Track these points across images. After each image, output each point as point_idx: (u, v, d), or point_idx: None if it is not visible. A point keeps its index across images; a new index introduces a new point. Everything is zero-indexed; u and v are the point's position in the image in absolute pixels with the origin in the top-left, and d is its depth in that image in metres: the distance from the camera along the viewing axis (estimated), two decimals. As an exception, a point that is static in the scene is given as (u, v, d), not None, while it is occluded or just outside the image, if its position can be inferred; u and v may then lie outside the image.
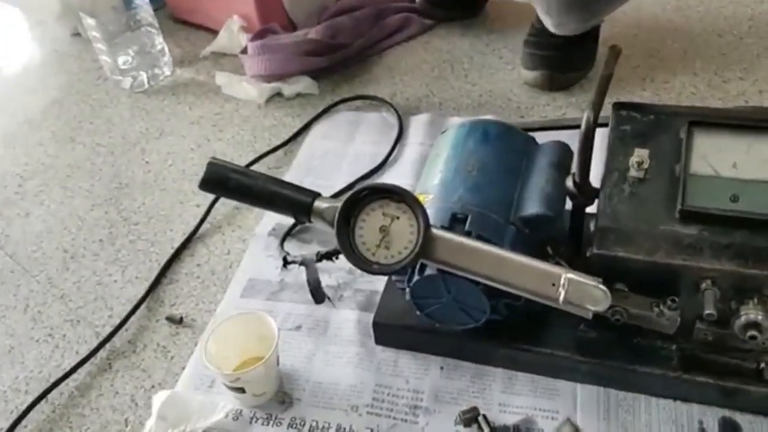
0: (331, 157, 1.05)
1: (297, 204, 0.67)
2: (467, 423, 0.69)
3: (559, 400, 0.70)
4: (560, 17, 1.05)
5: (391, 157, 1.03)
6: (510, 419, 0.69)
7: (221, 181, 0.69)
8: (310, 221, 0.68)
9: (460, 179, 0.70)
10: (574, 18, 1.05)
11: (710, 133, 0.65)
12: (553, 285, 0.61)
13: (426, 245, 0.63)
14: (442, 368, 0.74)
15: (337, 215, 0.64)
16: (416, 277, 0.68)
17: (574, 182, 0.68)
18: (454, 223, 0.67)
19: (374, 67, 1.24)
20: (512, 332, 0.72)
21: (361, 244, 0.64)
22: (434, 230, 0.64)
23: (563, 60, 1.11)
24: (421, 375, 0.74)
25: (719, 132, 0.65)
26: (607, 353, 0.69)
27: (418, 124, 1.08)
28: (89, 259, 0.95)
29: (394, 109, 1.11)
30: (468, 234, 0.66)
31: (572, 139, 0.68)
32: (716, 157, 0.64)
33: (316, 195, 0.68)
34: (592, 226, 0.68)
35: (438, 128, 1.06)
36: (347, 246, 0.64)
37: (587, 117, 0.65)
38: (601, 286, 0.60)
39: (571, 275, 0.61)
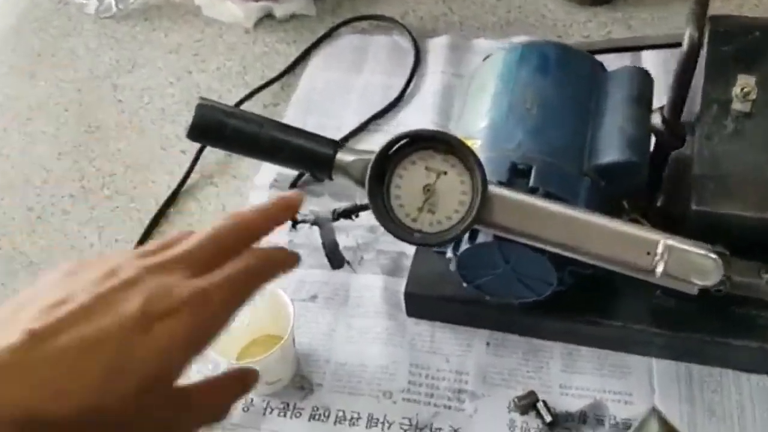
0: (336, 91, 0.90)
1: (315, 157, 0.53)
2: (524, 410, 0.58)
3: (631, 379, 0.59)
4: None
5: (409, 90, 0.89)
6: (574, 404, 0.58)
7: (215, 127, 0.54)
8: (330, 178, 0.54)
9: (516, 119, 0.56)
10: None
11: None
12: (648, 254, 0.49)
13: (484, 208, 0.50)
14: (488, 344, 0.63)
15: (369, 172, 0.50)
16: (466, 245, 0.55)
17: (663, 119, 0.55)
18: (514, 176, 0.53)
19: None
20: (575, 302, 0.60)
21: (398, 208, 0.51)
22: (491, 187, 0.51)
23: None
24: (463, 352, 0.63)
25: None
26: (690, 324, 0.58)
27: (436, 49, 0.93)
28: (59, 219, 0.81)
29: (408, 31, 0.95)
30: (533, 191, 0.53)
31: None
32: None
33: (338, 145, 0.54)
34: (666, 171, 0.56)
35: (461, 53, 0.91)
36: (382, 210, 0.51)
37: (690, 34, 0.51)
38: (711, 255, 0.48)
39: (672, 242, 0.48)
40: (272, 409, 0.61)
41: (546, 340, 0.62)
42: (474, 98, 0.62)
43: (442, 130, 0.51)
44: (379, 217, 0.51)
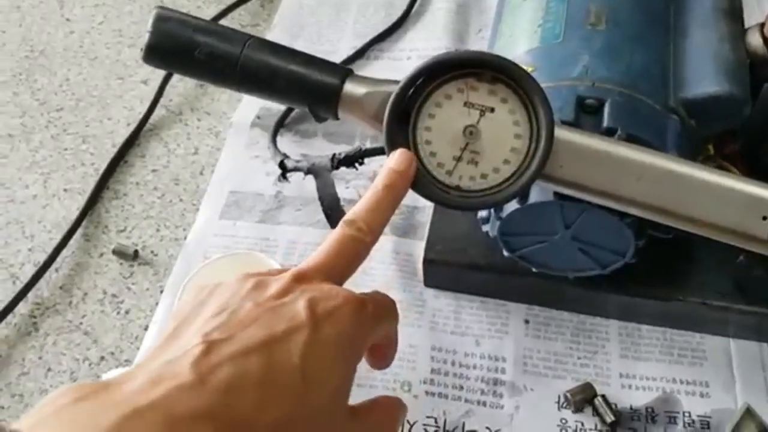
0: (329, 8, 0.75)
1: (316, 88, 0.39)
2: (579, 407, 0.47)
3: (707, 366, 0.48)
4: None
5: (415, 8, 0.74)
6: (639, 398, 0.47)
7: (181, 47, 0.40)
8: (337, 117, 0.41)
9: (579, 38, 0.43)
10: None
11: None
12: (765, 219, 0.37)
13: (546, 157, 0.37)
14: (527, 321, 0.51)
15: (389, 108, 0.37)
16: (514, 206, 0.42)
17: (764, 36, 0.42)
18: (582, 113, 0.40)
19: None
20: (637, 272, 0.47)
21: (429, 157, 0.38)
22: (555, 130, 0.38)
23: None
24: (498, 334, 0.51)
25: None
26: (780, 298, 0.46)
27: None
28: (-5, 165, 0.67)
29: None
30: (609, 132, 0.40)
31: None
32: None
33: (347, 72, 0.40)
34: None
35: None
36: (409, 160, 0.38)
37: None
38: None
39: (802, 204, 0.36)
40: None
41: (599, 317, 0.51)
42: (515, 9, 0.48)
43: (488, 52, 0.38)
44: (406, 170, 0.37)
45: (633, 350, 0.49)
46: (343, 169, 0.57)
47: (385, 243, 0.56)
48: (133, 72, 0.72)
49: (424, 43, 0.71)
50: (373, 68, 0.70)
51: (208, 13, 0.75)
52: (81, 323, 0.55)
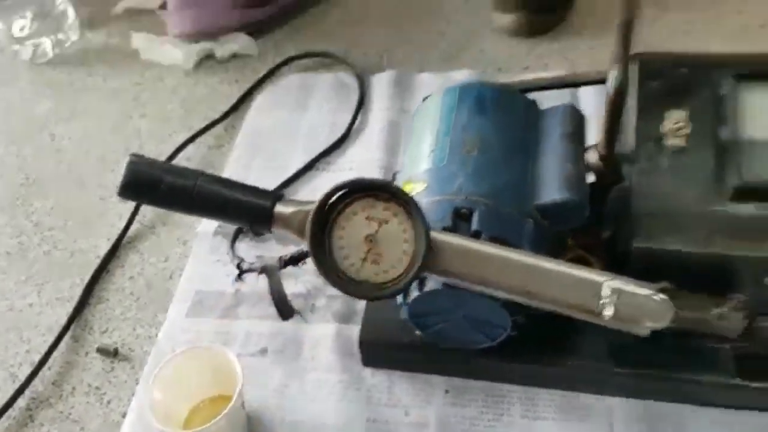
0: (282, 131, 0.89)
1: (252, 210, 0.51)
2: (486, 461, 0.56)
3: (592, 422, 0.58)
4: None
5: (354, 127, 0.87)
6: (536, 451, 0.57)
7: (148, 185, 0.52)
8: (270, 231, 0.52)
9: (457, 163, 0.55)
10: None
11: (763, 87, 0.52)
12: (595, 297, 0.48)
13: (428, 256, 0.48)
14: (447, 391, 0.61)
15: (309, 224, 0.49)
16: (415, 293, 0.53)
17: (600, 156, 0.55)
18: (458, 221, 0.52)
19: (323, 19, 1.06)
20: (532, 343, 0.58)
21: (342, 259, 0.49)
22: (434, 234, 0.50)
23: (538, 1, 0.96)
24: (423, 402, 0.61)
25: (776, 85, 0.52)
26: (648, 361, 0.57)
27: (381, 85, 0.92)
28: (-6, 280, 0.77)
29: (352, 68, 0.94)
30: (476, 235, 0.51)
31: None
32: (775, 116, 0.51)
33: (278, 197, 0.52)
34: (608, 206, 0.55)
35: (405, 88, 0.91)
36: (325, 263, 0.49)
37: (615, 76, 0.51)
38: (660, 296, 0.47)
39: (619, 285, 0.48)
40: (223, 476, 0.58)
41: (506, 383, 0.61)
42: (416, 139, 0.61)
43: (382, 179, 0.50)
44: (322, 269, 0.49)
45: (532, 411, 0.59)
46: (291, 267, 0.68)
47: (329, 329, 0.66)
48: (114, 194, 0.84)
49: (361, 156, 0.83)
50: (321, 178, 0.83)
51: (180, 138, 0.88)
52: (70, 413, 0.65)
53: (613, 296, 0.47)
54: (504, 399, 0.60)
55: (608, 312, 0.47)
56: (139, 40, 1.02)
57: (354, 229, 0.49)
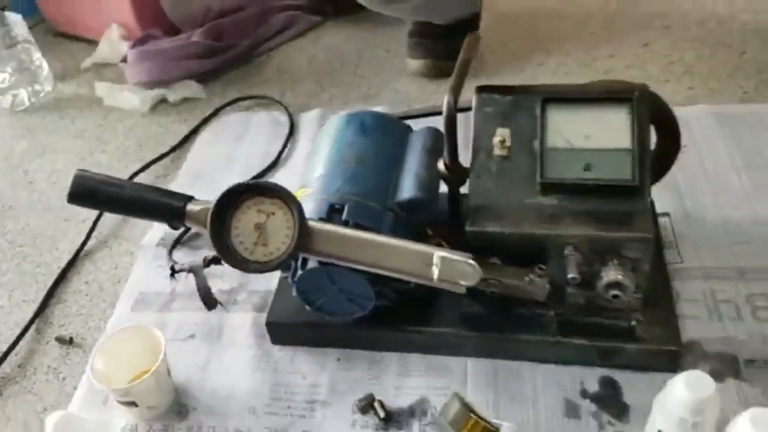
0: (221, 160, 1.04)
1: (169, 209, 0.66)
2: (364, 410, 0.70)
3: (450, 376, 0.72)
4: None
5: (283, 156, 1.03)
6: (405, 401, 0.70)
7: (88, 192, 0.67)
8: (184, 226, 0.67)
9: (339, 171, 0.71)
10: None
11: (563, 108, 0.68)
12: (428, 265, 0.63)
13: (302, 239, 0.63)
14: (338, 360, 0.75)
15: (209, 216, 0.63)
16: (300, 272, 0.68)
17: (445, 164, 0.70)
18: (332, 213, 0.67)
19: (263, 68, 1.24)
20: (402, 316, 0.73)
21: (239, 244, 0.64)
22: (311, 223, 0.65)
23: (445, 48, 1.14)
24: (318, 369, 0.75)
25: (571, 106, 0.68)
26: (491, 325, 0.71)
27: (309, 121, 1.09)
28: (-30, 288, 0.91)
29: (284, 107, 1.10)
30: (346, 223, 0.66)
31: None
32: (569, 130, 0.67)
33: (189, 198, 0.67)
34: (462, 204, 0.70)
35: (326, 123, 1.07)
36: (223, 247, 0.64)
37: (448, 101, 0.67)
38: (471, 261, 0.62)
39: (443, 253, 0.63)
40: (153, 431, 0.71)
41: (385, 351, 0.75)
42: (312, 156, 0.77)
43: (268, 181, 0.65)
44: (221, 252, 0.63)
45: (405, 371, 0.73)
46: (220, 267, 0.82)
47: (247, 318, 0.81)
48: (76, 215, 0.99)
49: (288, 179, 0.97)
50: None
51: (132, 169, 1.04)
52: (32, 388, 0.78)
53: (439, 263, 0.62)
54: (384, 363, 0.74)
55: (435, 275, 0.62)
56: (102, 88, 1.18)
57: (247, 220, 0.64)
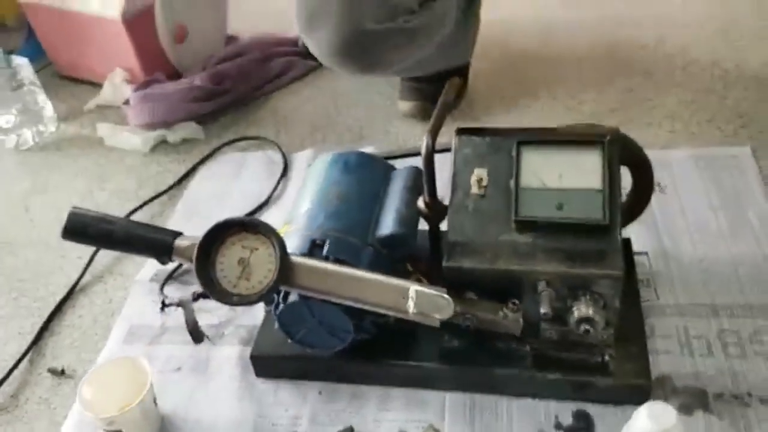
0: (216, 198, 1.08)
1: (158, 244, 0.69)
2: (343, 441, 0.71)
3: (429, 410, 0.73)
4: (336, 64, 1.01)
5: (276, 193, 1.06)
6: (384, 433, 0.72)
7: (82, 228, 0.70)
8: (171, 260, 0.70)
9: (322, 208, 0.74)
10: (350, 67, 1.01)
11: (537, 149, 0.71)
12: (404, 298, 0.65)
13: (284, 274, 0.66)
14: (320, 393, 0.77)
15: (196, 251, 0.66)
16: (281, 305, 0.70)
17: (425, 202, 0.73)
18: (314, 249, 0.70)
19: (260, 110, 1.28)
20: (383, 350, 0.75)
21: (223, 278, 0.67)
22: (292, 257, 0.67)
23: (436, 91, 1.17)
24: (300, 402, 0.76)
25: (545, 148, 0.71)
26: (469, 360, 0.73)
27: (302, 160, 1.12)
28: (-32, 321, 0.94)
29: (278, 147, 1.14)
30: (326, 258, 0.69)
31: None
32: (543, 170, 0.70)
33: (177, 234, 0.70)
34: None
35: (319, 163, 1.11)
36: (208, 280, 0.66)
37: (426, 143, 0.70)
38: (445, 296, 0.65)
39: (418, 288, 0.65)
40: (137, 461, 0.73)
41: (367, 385, 0.76)
42: (299, 194, 0.80)
43: (253, 218, 0.68)
44: (205, 285, 0.66)
45: (385, 404, 0.74)
46: (209, 303, 0.85)
47: (234, 351, 0.83)
48: (73, 252, 1.02)
49: (277, 217, 1.01)
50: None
51: (130, 206, 1.07)
52: (23, 417, 0.80)
53: (414, 296, 0.64)
54: (364, 396, 0.76)
55: (411, 308, 0.64)
56: (103, 128, 1.23)
57: (232, 255, 0.67)
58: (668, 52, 1.25)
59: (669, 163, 0.97)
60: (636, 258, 0.83)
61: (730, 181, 0.93)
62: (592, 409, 0.70)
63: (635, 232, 0.84)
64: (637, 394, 0.68)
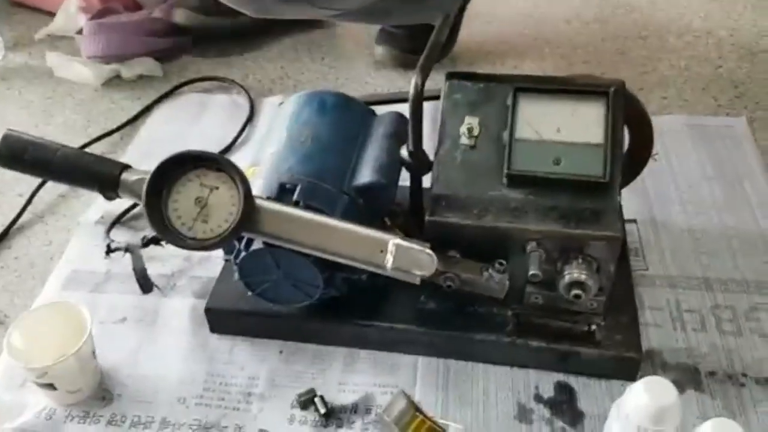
0: (173, 140, 0.99)
1: (102, 177, 0.61)
2: (304, 405, 0.65)
3: (399, 374, 0.67)
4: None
5: (240, 140, 0.98)
6: (349, 398, 0.65)
7: (17, 153, 0.61)
8: (118, 196, 0.62)
9: (291, 150, 0.66)
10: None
11: (535, 98, 0.65)
12: (381, 252, 0.59)
13: (247, 217, 0.58)
14: (281, 352, 0.70)
15: (145, 187, 0.58)
16: (243, 253, 0.63)
17: (408, 151, 0.66)
18: (283, 193, 0.62)
19: (226, 50, 1.18)
20: (352, 309, 0.68)
21: (176, 219, 0.59)
22: (258, 201, 0.60)
23: (414, 42, 1.10)
24: (257, 361, 0.69)
25: (544, 98, 0.64)
26: (446, 323, 0.67)
27: (270, 106, 1.04)
28: None
29: (245, 90, 1.05)
30: (297, 204, 0.62)
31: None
32: (541, 121, 0.63)
33: (125, 167, 0.62)
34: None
35: (288, 109, 1.02)
36: (159, 220, 0.58)
37: (415, 82, 0.63)
38: (428, 251, 0.58)
39: (399, 241, 0.58)
40: (73, 417, 0.65)
41: (332, 346, 0.70)
42: (267, 134, 0.72)
43: (214, 152, 0.60)
44: (155, 225, 0.58)
45: (351, 367, 0.68)
46: (160, 250, 0.77)
47: (186, 304, 0.75)
48: (13, 188, 0.92)
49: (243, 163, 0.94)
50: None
51: (77, 142, 0.97)
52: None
53: (393, 250, 0.58)
54: (329, 357, 0.69)
55: (389, 263, 0.58)
56: (53, 58, 1.12)
57: (188, 193, 0.59)
58: (661, 17, 1.19)
59: (661, 130, 0.91)
60: (625, 225, 0.78)
61: (725, 151, 0.89)
62: (575, 381, 0.65)
63: (624, 199, 0.78)
64: (625, 368, 0.64)
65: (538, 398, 0.64)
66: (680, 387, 0.62)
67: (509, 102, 0.65)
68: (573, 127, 0.63)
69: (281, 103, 0.76)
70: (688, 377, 0.64)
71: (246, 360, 0.69)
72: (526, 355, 0.66)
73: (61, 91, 1.10)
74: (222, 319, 0.71)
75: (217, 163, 0.59)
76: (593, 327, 0.65)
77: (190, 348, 0.71)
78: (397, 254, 0.58)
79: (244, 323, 0.71)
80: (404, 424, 0.58)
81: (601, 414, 0.61)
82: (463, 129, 0.65)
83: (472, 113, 0.66)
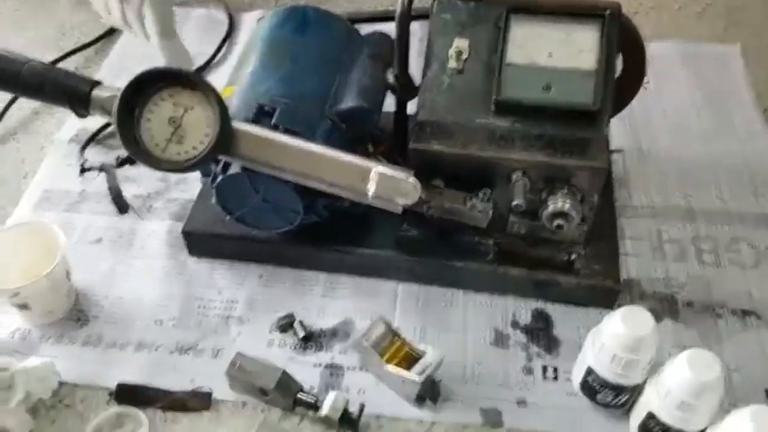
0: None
1: (72, 92, 0.58)
2: (283, 329, 0.65)
3: (379, 301, 0.67)
4: None
5: (218, 57, 0.94)
6: (328, 322, 0.66)
7: (-21, 66, 0.58)
8: (89, 113, 0.59)
9: (270, 70, 0.63)
10: None
11: (528, 21, 0.62)
12: (363, 180, 0.57)
13: (223, 140, 0.56)
14: (261, 276, 0.69)
15: (116, 104, 0.55)
16: (220, 177, 0.61)
17: (394, 75, 0.64)
18: (261, 116, 0.60)
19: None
20: (334, 235, 0.67)
21: (150, 139, 0.57)
22: (235, 123, 0.58)
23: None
24: (237, 285, 0.69)
25: (537, 20, 0.61)
26: (427, 250, 0.67)
27: (250, 21, 0.99)
28: None
29: (224, 4, 1.01)
30: (275, 127, 0.59)
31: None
32: (533, 45, 0.61)
33: (96, 83, 0.59)
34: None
35: (269, 25, 0.98)
36: (131, 140, 0.56)
37: (400, 2, 0.60)
38: (411, 179, 0.57)
39: (381, 169, 0.57)
40: (48, 338, 0.65)
41: (313, 271, 0.69)
42: (244, 52, 0.68)
43: (189, 70, 0.57)
44: (127, 145, 0.56)
45: (331, 292, 0.68)
46: (136, 171, 0.75)
47: (163, 226, 0.74)
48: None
49: (219, 82, 0.90)
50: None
51: (49, 56, 0.93)
52: None
53: (376, 178, 0.56)
54: (309, 282, 0.69)
55: (371, 191, 0.56)
56: (21, -36, 1.05)
57: (161, 112, 0.56)
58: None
59: (652, 56, 0.89)
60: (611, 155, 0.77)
61: (717, 80, 0.87)
62: (552, 309, 0.66)
63: (611, 127, 0.77)
64: (603, 297, 0.64)
65: (515, 324, 0.65)
66: (657, 316, 0.62)
67: (501, 24, 0.62)
68: (565, 51, 0.60)
69: (261, 18, 0.72)
70: (665, 307, 0.64)
71: (225, 284, 0.69)
72: (505, 283, 0.66)
73: (33, 3, 1.04)
74: (200, 242, 0.70)
75: (191, 81, 0.56)
76: (573, 256, 0.65)
77: (167, 271, 0.70)
78: (380, 182, 0.56)
79: (223, 247, 0.70)
80: (383, 349, 0.58)
81: (577, 341, 0.62)
82: (452, 52, 0.63)
83: (461, 35, 0.63)
